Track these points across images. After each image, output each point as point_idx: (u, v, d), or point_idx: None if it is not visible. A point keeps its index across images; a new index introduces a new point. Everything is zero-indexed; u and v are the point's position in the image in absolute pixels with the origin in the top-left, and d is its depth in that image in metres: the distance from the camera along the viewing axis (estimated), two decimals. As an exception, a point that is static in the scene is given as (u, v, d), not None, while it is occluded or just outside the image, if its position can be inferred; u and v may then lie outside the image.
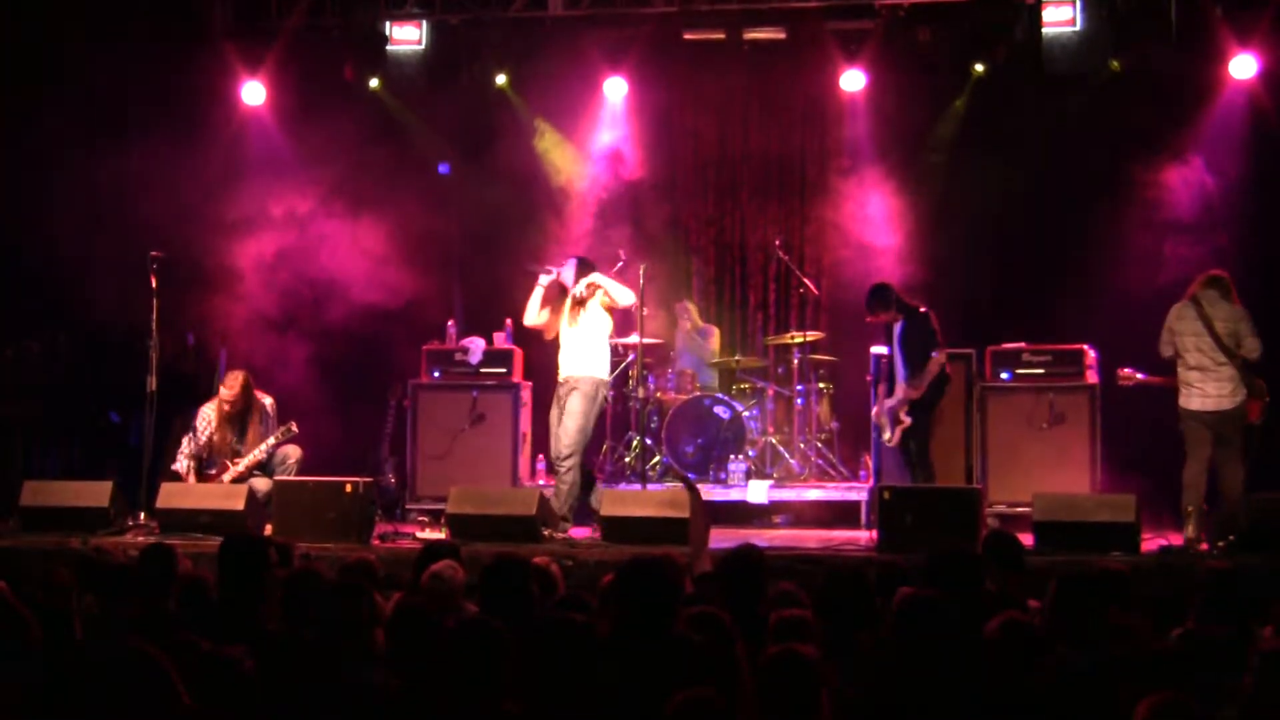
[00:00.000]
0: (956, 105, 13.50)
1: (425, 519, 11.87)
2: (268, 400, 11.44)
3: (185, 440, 11.39)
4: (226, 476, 11.13)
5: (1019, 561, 7.10)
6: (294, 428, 11.18)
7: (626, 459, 12.82)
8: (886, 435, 11.40)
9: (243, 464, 11.16)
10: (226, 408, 11.31)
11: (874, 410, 11.67)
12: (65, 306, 13.27)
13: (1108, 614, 5.66)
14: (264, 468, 11.21)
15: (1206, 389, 10.24)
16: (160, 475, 11.39)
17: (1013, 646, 4.90)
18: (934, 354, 11.14)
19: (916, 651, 4.89)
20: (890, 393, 11.36)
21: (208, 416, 11.38)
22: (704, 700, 4.19)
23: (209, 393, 11.67)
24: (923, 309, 11.30)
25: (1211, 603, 5.90)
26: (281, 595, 6.12)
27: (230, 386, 11.30)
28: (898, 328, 11.27)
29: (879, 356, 11.67)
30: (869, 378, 12.00)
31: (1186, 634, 5.78)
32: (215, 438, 11.31)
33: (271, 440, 11.15)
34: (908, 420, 11.18)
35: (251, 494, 10.60)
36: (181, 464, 11.31)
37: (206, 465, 11.31)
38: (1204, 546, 9.78)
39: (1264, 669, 4.30)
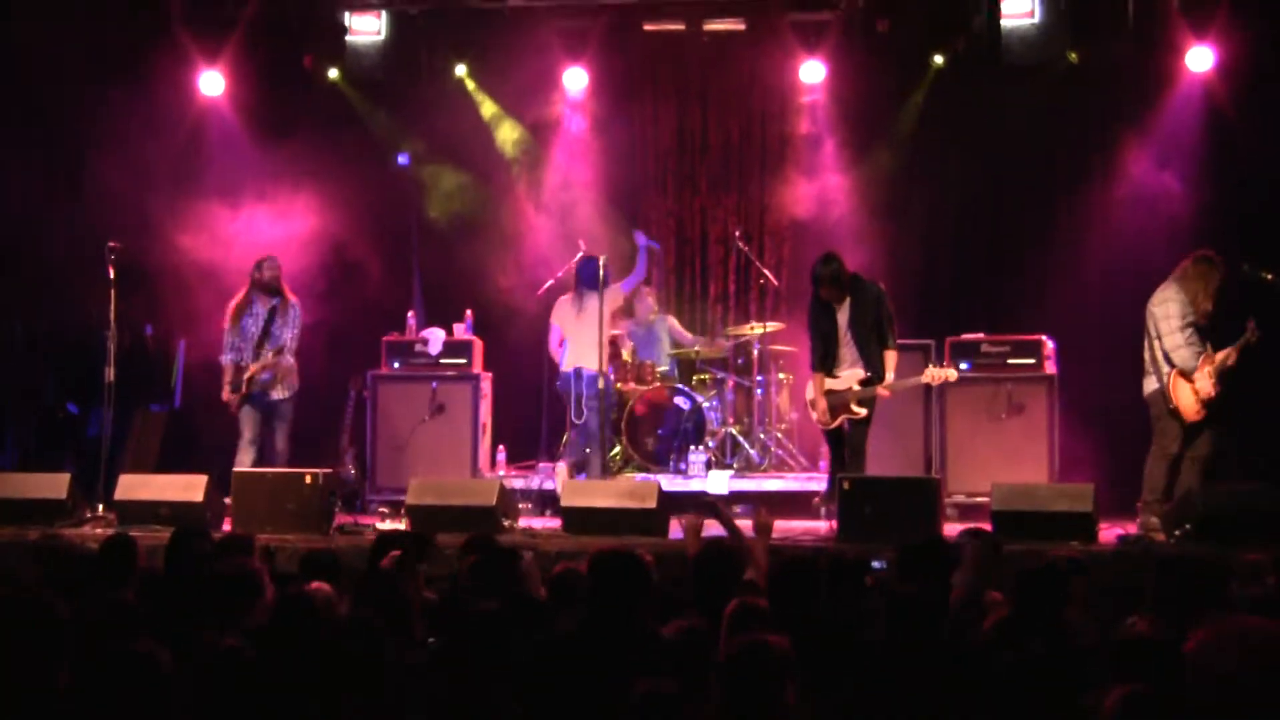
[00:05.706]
0: (915, 97, 13.54)
1: (385, 510, 11.84)
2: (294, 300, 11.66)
3: (226, 337, 11.58)
4: (249, 372, 11.31)
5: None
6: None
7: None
8: (827, 418, 10.64)
9: (261, 361, 11.37)
10: (263, 289, 11.52)
11: (813, 392, 10.77)
12: (22, 297, 13.19)
13: (1066, 604, 5.70)
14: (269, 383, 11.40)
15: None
16: (119, 466, 11.35)
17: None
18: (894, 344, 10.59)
19: (883, 645, 4.92)
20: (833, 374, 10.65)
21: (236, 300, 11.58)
22: (665, 692, 4.20)
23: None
24: (880, 284, 10.75)
25: (1165, 592, 5.94)
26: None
27: (273, 268, 11.48)
28: (847, 305, 10.57)
29: (820, 329, 10.65)
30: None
31: (1138, 623, 5.83)
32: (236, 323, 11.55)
33: (289, 336, 11.48)
34: (861, 412, 10.52)
35: (210, 486, 10.57)
36: (227, 359, 11.50)
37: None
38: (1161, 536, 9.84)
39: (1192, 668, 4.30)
